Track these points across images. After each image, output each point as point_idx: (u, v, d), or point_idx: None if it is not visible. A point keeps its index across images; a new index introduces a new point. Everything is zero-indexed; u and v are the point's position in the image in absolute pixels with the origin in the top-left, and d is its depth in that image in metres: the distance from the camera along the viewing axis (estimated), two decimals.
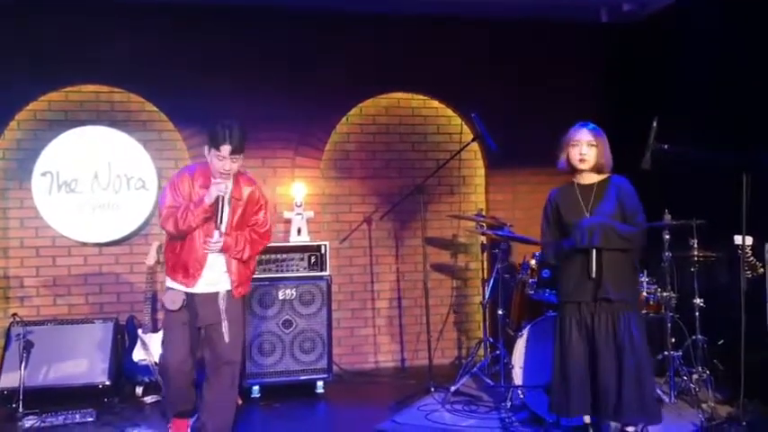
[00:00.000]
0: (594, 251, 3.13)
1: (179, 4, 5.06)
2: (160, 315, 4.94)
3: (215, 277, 3.39)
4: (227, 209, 3.33)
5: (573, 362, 3.18)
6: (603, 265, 3.15)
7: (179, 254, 3.36)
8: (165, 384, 3.61)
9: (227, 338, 3.35)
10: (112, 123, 5.08)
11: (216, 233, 3.27)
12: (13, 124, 4.98)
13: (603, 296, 3.13)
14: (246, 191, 3.44)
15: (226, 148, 3.20)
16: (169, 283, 3.43)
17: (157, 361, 4.47)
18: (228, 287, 3.41)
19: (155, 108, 5.17)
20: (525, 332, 4.08)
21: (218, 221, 3.27)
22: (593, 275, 3.13)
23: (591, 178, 3.26)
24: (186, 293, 3.38)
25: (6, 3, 4.81)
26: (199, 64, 5.15)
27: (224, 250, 3.34)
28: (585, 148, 3.19)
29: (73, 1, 4.91)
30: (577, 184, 3.28)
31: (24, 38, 4.90)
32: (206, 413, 3.49)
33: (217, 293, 3.38)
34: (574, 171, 3.28)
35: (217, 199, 3.25)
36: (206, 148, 3.31)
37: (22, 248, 4.99)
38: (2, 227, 4.96)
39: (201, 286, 3.37)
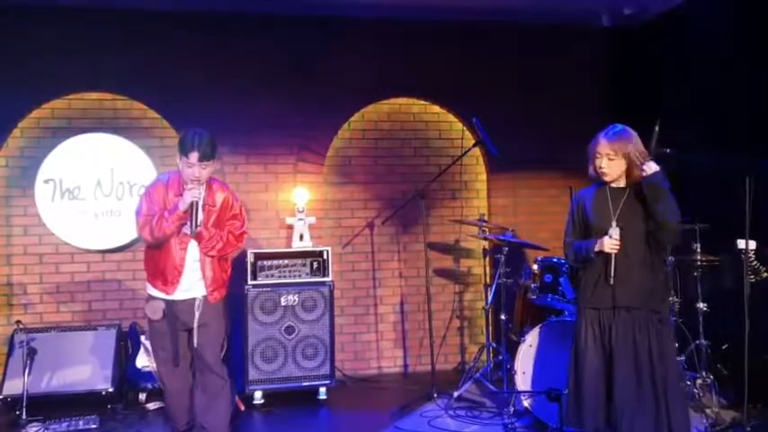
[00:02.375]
0: (614, 256, 3.02)
1: (180, 12, 5.08)
2: None
3: (191, 283, 3.46)
4: (201, 215, 3.40)
5: (587, 371, 3.06)
6: (626, 270, 3.04)
7: (157, 262, 3.44)
8: (165, 397, 3.70)
9: (195, 342, 3.44)
10: (115, 130, 5.10)
11: (190, 225, 3.33)
12: (16, 132, 5.00)
13: (622, 304, 3.03)
14: (220, 197, 3.50)
15: (194, 155, 3.28)
16: (150, 290, 3.51)
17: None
18: (204, 293, 3.47)
19: (157, 115, 5.19)
20: (528, 337, 4.07)
21: (194, 227, 3.33)
22: (611, 282, 3.02)
23: (623, 181, 3.13)
24: (166, 301, 3.45)
25: (9, 11, 4.84)
26: (201, 71, 5.16)
27: (197, 239, 3.40)
28: (605, 163, 3.06)
29: (75, 9, 4.93)
30: (609, 186, 3.15)
31: (27, 46, 4.92)
32: (201, 414, 3.55)
33: (194, 299, 3.45)
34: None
35: (191, 205, 3.31)
36: (177, 156, 3.39)
37: (26, 255, 5.00)
38: (5, 234, 4.97)
39: (179, 293, 3.44)
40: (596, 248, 3.05)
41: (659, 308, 3.08)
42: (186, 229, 3.36)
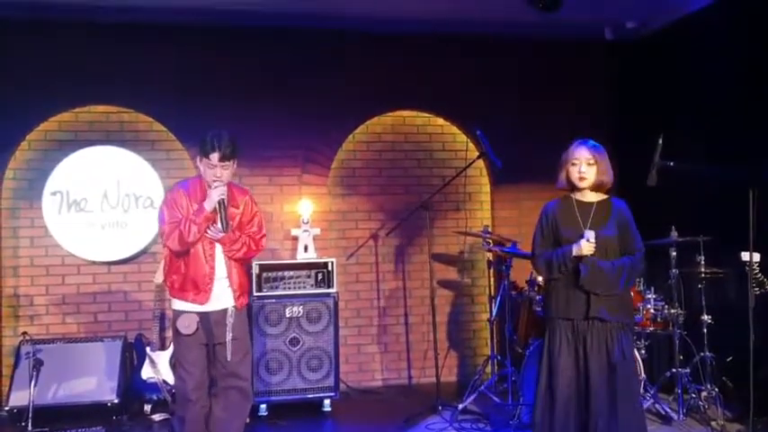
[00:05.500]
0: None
1: (186, 26, 5.13)
2: (168, 333, 4.96)
3: (221, 291, 3.38)
4: (224, 213, 3.35)
5: (561, 380, 3.11)
6: None
7: (186, 272, 3.34)
8: (183, 411, 3.40)
9: (229, 356, 3.32)
10: (122, 143, 5.14)
11: (219, 225, 3.30)
12: (24, 144, 5.04)
13: (596, 315, 3.09)
14: (241, 200, 3.47)
15: (215, 156, 3.26)
16: (178, 305, 3.37)
17: (167, 381, 4.49)
18: (233, 302, 3.39)
19: (163, 128, 5.23)
20: (533, 350, 4.07)
21: (224, 225, 3.28)
22: (581, 283, 3.10)
23: (590, 196, 3.22)
24: (199, 314, 3.34)
25: (18, 24, 4.90)
26: (206, 84, 5.21)
27: (221, 242, 3.34)
28: (585, 167, 3.15)
29: (83, 23, 4.99)
30: (576, 200, 3.23)
31: (35, 59, 4.98)
32: (217, 429, 3.44)
33: (226, 310, 3.37)
34: (573, 188, 3.25)
35: (218, 204, 3.28)
36: (197, 158, 3.38)
37: (33, 267, 5.03)
38: (12, 246, 5.01)
39: (212, 303, 3.35)
40: (574, 252, 3.09)
41: (628, 318, 3.21)
42: (212, 233, 3.29)
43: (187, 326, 3.30)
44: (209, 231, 3.30)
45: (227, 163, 3.30)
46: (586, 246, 3.07)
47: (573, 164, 3.18)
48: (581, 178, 3.16)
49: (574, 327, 3.14)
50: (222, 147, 3.25)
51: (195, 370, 3.35)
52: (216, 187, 3.28)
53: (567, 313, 3.15)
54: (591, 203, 3.21)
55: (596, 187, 3.20)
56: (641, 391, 4.14)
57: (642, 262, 3.19)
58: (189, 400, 3.35)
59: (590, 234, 3.08)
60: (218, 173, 3.29)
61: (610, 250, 3.13)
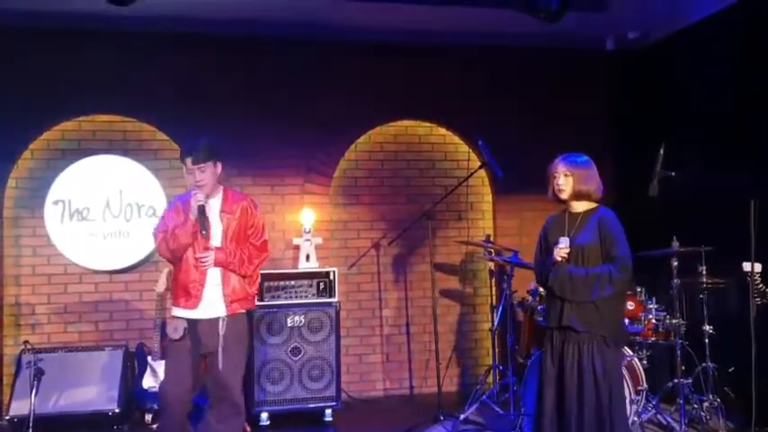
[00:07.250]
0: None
1: (190, 36, 5.16)
2: None
3: (213, 298, 3.41)
4: (215, 221, 3.42)
5: (546, 388, 3.20)
6: None
7: (177, 277, 3.46)
8: (161, 415, 3.59)
9: (220, 366, 3.36)
10: (124, 152, 5.16)
11: (200, 231, 3.36)
12: (26, 153, 5.06)
13: (567, 324, 3.14)
14: (237, 205, 3.50)
15: (188, 161, 3.37)
16: (175, 312, 3.47)
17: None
18: (224, 311, 3.41)
19: (166, 137, 5.25)
20: (534, 359, 4.07)
21: (201, 231, 3.34)
22: (548, 283, 3.21)
23: (580, 207, 3.29)
24: (188, 321, 3.41)
25: (20, 33, 4.93)
26: (209, 93, 5.23)
27: (219, 264, 3.38)
28: (561, 179, 3.25)
29: (85, 32, 5.01)
30: (568, 212, 3.34)
31: (38, 68, 5.00)
32: None
33: (218, 319, 3.40)
34: (558, 200, 3.33)
35: (200, 210, 3.34)
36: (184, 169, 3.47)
37: (34, 276, 5.03)
38: (14, 254, 5.01)
39: (201, 310, 3.40)
40: (552, 261, 3.20)
41: (605, 330, 3.13)
42: (206, 263, 3.36)
43: (175, 330, 3.41)
44: (200, 263, 3.37)
45: (201, 165, 3.36)
46: (557, 252, 3.17)
47: (553, 177, 3.30)
48: (559, 190, 3.27)
49: (552, 335, 3.23)
50: (194, 150, 3.36)
51: (173, 374, 3.41)
52: (194, 194, 3.37)
53: (548, 321, 3.28)
54: (579, 213, 3.29)
55: (581, 197, 3.26)
56: (642, 401, 4.13)
57: (624, 271, 3.09)
58: (168, 398, 3.40)
59: (563, 241, 3.18)
60: (196, 176, 3.38)
61: (587, 257, 3.17)
